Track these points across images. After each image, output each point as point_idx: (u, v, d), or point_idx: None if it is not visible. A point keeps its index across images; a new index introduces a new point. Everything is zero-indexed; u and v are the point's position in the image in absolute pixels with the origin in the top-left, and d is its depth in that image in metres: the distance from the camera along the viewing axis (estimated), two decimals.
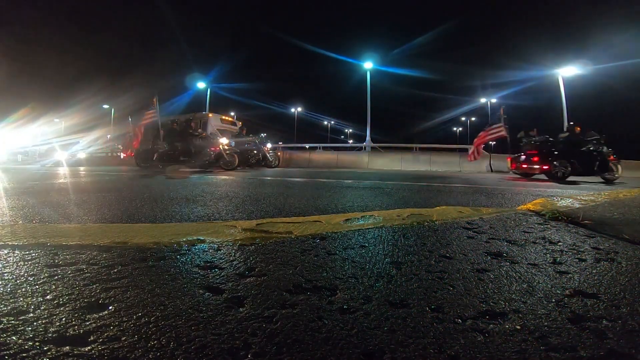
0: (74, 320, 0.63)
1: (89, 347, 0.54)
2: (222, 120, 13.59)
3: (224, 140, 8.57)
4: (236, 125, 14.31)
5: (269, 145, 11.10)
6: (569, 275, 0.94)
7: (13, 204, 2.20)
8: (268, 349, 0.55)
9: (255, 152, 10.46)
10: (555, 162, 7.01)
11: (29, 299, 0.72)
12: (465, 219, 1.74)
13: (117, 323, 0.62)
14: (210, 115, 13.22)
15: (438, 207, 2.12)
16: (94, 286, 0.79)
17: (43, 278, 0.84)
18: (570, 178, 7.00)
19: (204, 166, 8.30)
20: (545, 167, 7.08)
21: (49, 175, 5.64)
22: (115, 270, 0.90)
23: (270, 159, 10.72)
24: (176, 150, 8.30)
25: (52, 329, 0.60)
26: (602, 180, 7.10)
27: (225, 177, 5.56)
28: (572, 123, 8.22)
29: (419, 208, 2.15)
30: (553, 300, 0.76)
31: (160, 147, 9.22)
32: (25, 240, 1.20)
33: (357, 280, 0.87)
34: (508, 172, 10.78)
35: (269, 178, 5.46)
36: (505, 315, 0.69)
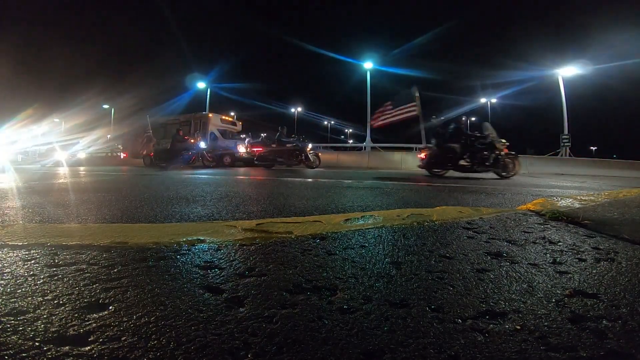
0: (74, 320, 0.63)
1: (89, 347, 0.54)
2: (222, 120, 13.62)
3: (310, 145, 10.48)
4: (236, 125, 14.33)
5: (309, 146, 10.76)
6: (569, 275, 0.94)
7: (13, 204, 2.20)
8: (268, 349, 0.55)
9: (297, 152, 10.32)
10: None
11: (29, 299, 0.72)
12: (465, 219, 1.74)
13: (117, 323, 0.62)
14: (210, 115, 13.25)
15: (438, 207, 2.12)
16: (94, 286, 0.79)
17: (43, 278, 0.84)
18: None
19: (292, 166, 10.06)
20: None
21: (49, 176, 5.64)
22: (115, 270, 0.90)
23: (312, 160, 10.41)
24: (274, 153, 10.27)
25: (52, 329, 0.60)
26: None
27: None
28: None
29: (419, 208, 2.15)
30: (553, 300, 0.76)
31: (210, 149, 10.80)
32: (25, 240, 1.20)
33: (357, 280, 0.87)
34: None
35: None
36: (505, 315, 0.69)
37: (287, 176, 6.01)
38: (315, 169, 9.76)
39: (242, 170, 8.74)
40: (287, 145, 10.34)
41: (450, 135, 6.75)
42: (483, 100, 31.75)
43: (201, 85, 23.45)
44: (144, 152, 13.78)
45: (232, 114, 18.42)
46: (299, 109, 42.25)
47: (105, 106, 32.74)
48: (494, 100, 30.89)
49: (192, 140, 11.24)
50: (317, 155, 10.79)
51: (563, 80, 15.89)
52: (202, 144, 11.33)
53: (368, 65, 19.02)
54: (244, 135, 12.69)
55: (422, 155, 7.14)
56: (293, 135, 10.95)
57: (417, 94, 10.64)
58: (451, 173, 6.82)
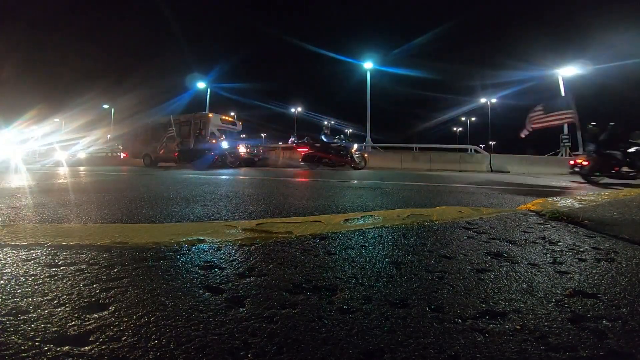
0: (74, 320, 0.63)
1: (89, 347, 0.54)
2: (222, 120, 13.61)
3: (355, 146, 10.33)
4: (236, 125, 14.32)
5: (355, 146, 10.31)
6: (569, 275, 0.94)
7: (13, 204, 2.20)
8: (268, 349, 0.55)
9: (343, 153, 9.95)
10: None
11: (29, 299, 0.72)
12: (465, 219, 1.74)
13: (117, 323, 0.62)
14: (210, 115, 13.24)
15: (438, 207, 2.12)
16: (94, 286, 0.79)
17: (43, 278, 0.84)
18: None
19: (336, 166, 9.92)
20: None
21: (49, 176, 5.64)
22: (115, 270, 0.90)
23: (357, 160, 9.91)
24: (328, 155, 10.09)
25: (52, 329, 0.60)
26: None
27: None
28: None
29: (419, 208, 2.15)
30: (553, 300, 0.76)
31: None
32: (25, 240, 1.20)
33: (357, 280, 0.87)
34: (508, 172, 10.78)
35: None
36: (505, 315, 0.69)
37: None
38: (361, 170, 9.35)
39: (288, 171, 8.57)
40: (333, 145, 9.95)
41: (609, 143, 6.74)
42: (483, 100, 31.75)
43: (201, 85, 23.47)
44: (162, 152, 13.64)
45: (232, 114, 18.42)
46: (299, 109, 42.27)
47: (105, 106, 32.76)
48: (494, 100, 30.88)
49: (213, 141, 11.24)
50: (362, 157, 10.21)
51: (563, 80, 15.89)
52: (225, 145, 11.24)
53: (368, 65, 19.03)
54: (244, 135, 12.78)
55: (579, 161, 7.01)
56: (337, 137, 10.40)
57: (573, 101, 10.46)
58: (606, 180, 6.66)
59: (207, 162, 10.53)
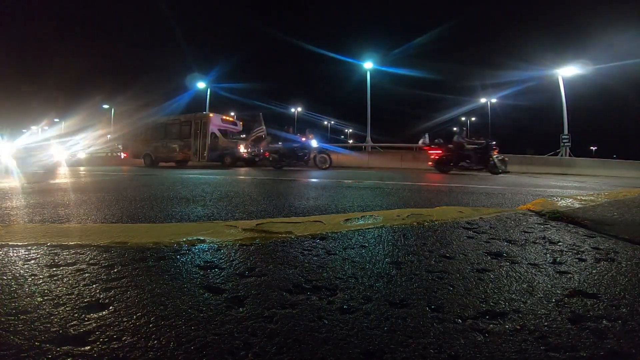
0: (74, 320, 0.63)
1: (89, 347, 0.54)
2: (222, 120, 13.61)
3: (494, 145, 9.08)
4: (237, 125, 14.32)
5: (496, 148, 8.80)
6: (569, 275, 0.94)
7: (13, 204, 2.20)
8: (268, 349, 0.55)
9: (482, 154, 8.74)
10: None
11: (29, 299, 0.72)
12: (465, 219, 1.74)
13: (117, 323, 0.62)
14: (211, 115, 13.24)
15: (438, 207, 2.12)
16: (94, 286, 0.79)
17: (43, 278, 0.84)
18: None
19: (472, 168, 8.99)
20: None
21: (49, 176, 5.64)
22: (115, 270, 0.90)
23: (497, 165, 8.46)
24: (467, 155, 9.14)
25: (52, 329, 0.60)
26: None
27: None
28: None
29: (419, 208, 2.15)
30: (553, 300, 0.76)
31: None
32: (25, 240, 1.20)
33: (357, 280, 0.87)
34: (508, 172, 10.80)
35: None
36: (505, 315, 0.69)
37: (310, 177, 5.98)
38: (500, 175, 8.15)
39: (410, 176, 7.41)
40: (470, 146, 8.79)
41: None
42: (483, 100, 31.76)
43: (201, 85, 23.48)
44: (185, 151, 13.10)
45: (232, 113, 18.42)
46: (299, 109, 42.28)
47: (105, 106, 32.77)
48: (494, 100, 30.88)
49: (303, 139, 10.18)
50: (504, 161, 8.74)
51: (563, 80, 15.89)
52: (314, 143, 10.10)
53: (368, 65, 19.04)
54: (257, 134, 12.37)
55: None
56: (478, 137, 9.28)
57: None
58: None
59: (300, 161, 9.75)
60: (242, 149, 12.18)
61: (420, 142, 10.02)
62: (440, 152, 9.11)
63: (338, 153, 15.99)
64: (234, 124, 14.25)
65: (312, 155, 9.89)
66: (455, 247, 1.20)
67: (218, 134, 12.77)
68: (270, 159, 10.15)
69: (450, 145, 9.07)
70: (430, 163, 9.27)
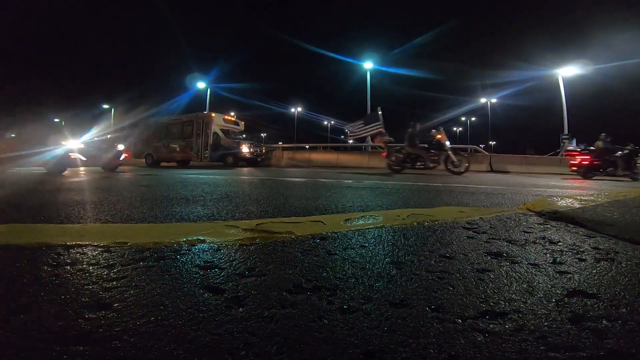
0: (75, 320, 0.63)
1: (89, 347, 0.54)
2: (224, 120, 13.60)
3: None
4: (239, 125, 14.30)
5: None
6: (569, 275, 0.94)
7: (13, 204, 2.20)
8: (268, 349, 0.55)
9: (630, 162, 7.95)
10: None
11: (30, 299, 0.72)
12: (465, 219, 1.74)
13: (117, 323, 0.62)
14: (213, 115, 13.21)
15: (438, 207, 2.12)
16: (94, 286, 0.80)
17: (43, 278, 0.84)
18: None
19: (620, 177, 8.12)
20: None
21: (49, 175, 5.64)
22: (115, 270, 0.90)
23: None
24: None
25: (52, 329, 0.60)
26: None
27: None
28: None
29: (419, 208, 2.15)
30: (553, 300, 0.76)
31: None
32: (26, 240, 1.20)
33: (357, 280, 0.87)
34: (509, 172, 10.79)
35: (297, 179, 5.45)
36: (505, 315, 0.69)
37: (291, 176, 5.97)
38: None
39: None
40: (617, 153, 7.95)
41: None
42: (483, 100, 31.75)
43: (201, 85, 23.50)
44: (188, 152, 12.88)
45: (232, 113, 18.40)
46: (299, 109, 42.30)
47: (105, 106, 32.79)
48: (494, 100, 30.87)
49: (438, 136, 8.46)
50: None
51: (563, 80, 15.90)
52: (447, 142, 8.43)
53: (368, 65, 19.07)
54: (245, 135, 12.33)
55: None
56: (625, 143, 8.31)
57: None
58: None
59: (427, 164, 8.31)
60: (244, 149, 12.15)
61: (570, 147, 9.49)
62: (589, 157, 8.29)
63: (337, 152, 15.99)
64: (236, 123, 14.23)
65: (442, 157, 8.26)
66: (455, 247, 1.20)
67: (220, 133, 12.74)
68: (393, 158, 8.67)
69: (599, 151, 8.27)
70: (573, 168, 8.52)
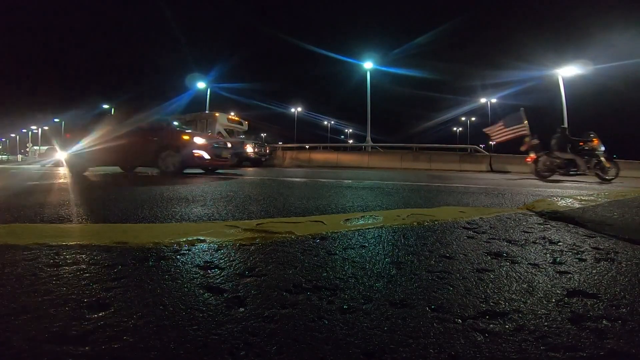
0: (74, 320, 0.63)
1: (89, 347, 0.54)
2: (228, 119, 13.55)
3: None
4: (242, 125, 14.27)
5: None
6: (569, 275, 0.94)
7: (14, 204, 2.20)
8: (268, 349, 0.55)
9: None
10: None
11: (29, 298, 0.72)
12: (465, 219, 1.74)
13: (117, 323, 0.62)
14: (217, 114, 13.14)
15: (438, 207, 2.12)
16: (94, 286, 0.79)
17: (43, 278, 0.84)
18: None
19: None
20: None
21: (49, 175, 5.64)
22: (115, 270, 0.90)
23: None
24: None
25: (52, 329, 0.60)
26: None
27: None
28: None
29: (419, 208, 2.15)
30: (553, 300, 0.76)
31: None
32: (25, 240, 1.20)
33: (357, 280, 0.87)
34: (509, 172, 10.77)
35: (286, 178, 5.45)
36: (505, 315, 0.69)
37: (293, 176, 5.97)
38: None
39: None
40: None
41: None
42: (483, 100, 31.77)
43: (201, 85, 23.47)
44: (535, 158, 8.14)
45: (232, 113, 18.40)
46: (299, 109, 42.31)
47: (105, 106, 32.80)
48: (494, 100, 30.89)
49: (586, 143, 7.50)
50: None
51: (563, 80, 15.89)
52: (600, 145, 7.39)
53: (368, 65, 19.05)
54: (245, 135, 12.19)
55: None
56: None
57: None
58: None
59: (579, 170, 7.35)
60: (248, 149, 12.10)
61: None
62: (533, 156, 7.95)
63: (337, 152, 15.98)
64: (240, 123, 14.19)
65: (592, 162, 7.48)
66: (455, 247, 1.20)
67: (224, 133, 12.70)
68: (548, 163, 7.65)
69: (552, 148, 7.77)
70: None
